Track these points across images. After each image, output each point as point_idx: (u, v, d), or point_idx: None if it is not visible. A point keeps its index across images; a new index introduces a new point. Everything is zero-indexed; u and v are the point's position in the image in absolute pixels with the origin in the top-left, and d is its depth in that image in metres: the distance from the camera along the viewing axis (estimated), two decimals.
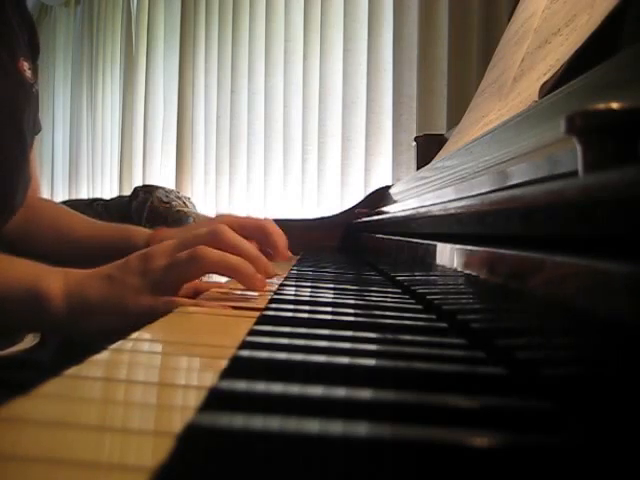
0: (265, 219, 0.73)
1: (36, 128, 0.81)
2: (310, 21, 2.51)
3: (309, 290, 0.60)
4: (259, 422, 0.19)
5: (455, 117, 1.58)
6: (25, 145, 0.74)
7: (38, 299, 0.50)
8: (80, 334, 0.54)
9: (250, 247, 0.55)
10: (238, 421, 0.19)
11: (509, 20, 0.93)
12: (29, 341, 0.73)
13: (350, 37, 2.37)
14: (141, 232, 0.80)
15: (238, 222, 0.62)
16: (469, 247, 0.38)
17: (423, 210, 0.57)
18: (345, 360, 0.28)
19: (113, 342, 0.31)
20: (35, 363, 0.69)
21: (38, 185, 0.89)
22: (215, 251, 0.51)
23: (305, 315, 0.42)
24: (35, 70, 0.78)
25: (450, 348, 0.33)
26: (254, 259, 0.54)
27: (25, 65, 0.74)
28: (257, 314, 0.42)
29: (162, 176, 3.12)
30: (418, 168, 1.34)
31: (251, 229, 0.66)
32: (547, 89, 0.51)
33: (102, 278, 0.51)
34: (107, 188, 3.49)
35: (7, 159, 0.71)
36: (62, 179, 3.72)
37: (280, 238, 0.71)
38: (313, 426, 0.19)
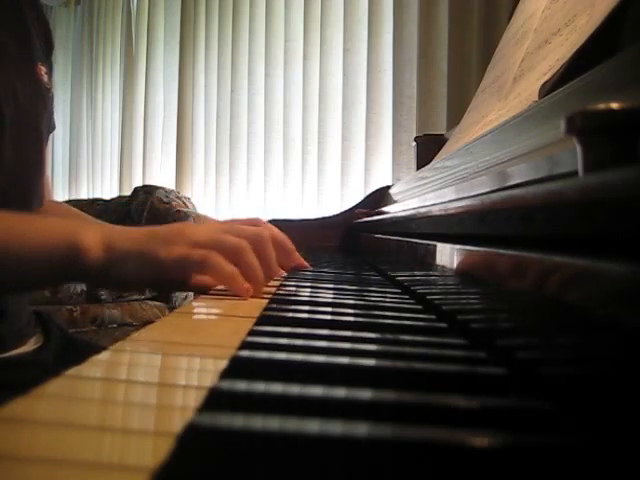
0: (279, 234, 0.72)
1: (50, 127, 0.84)
2: (310, 21, 2.51)
3: (309, 290, 0.60)
4: (259, 422, 0.19)
5: (455, 117, 1.58)
6: (43, 148, 0.76)
7: (77, 250, 0.52)
8: (115, 284, 0.58)
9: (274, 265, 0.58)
10: (238, 421, 0.19)
11: (509, 20, 0.93)
12: (33, 343, 0.73)
13: (350, 37, 2.37)
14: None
15: (273, 234, 0.62)
16: (469, 247, 0.38)
17: (423, 210, 0.57)
18: (345, 360, 0.28)
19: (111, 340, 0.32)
20: (38, 364, 0.69)
21: (49, 187, 0.90)
22: (229, 265, 0.53)
23: (305, 315, 0.42)
24: (50, 71, 0.79)
25: (450, 348, 0.33)
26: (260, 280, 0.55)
27: (42, 70, 0.76)
28: (257, 314, 0.42)
29: (162, 176, 3.12)
30: (418, 168, 1.34)
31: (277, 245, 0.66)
32: (547, 89, 0.51)
33: (138, 232, 0.55)
34: (107, 188, 3.49)
35: (27, 162, 0.73)
36: (62, 179, 3.72)
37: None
38: (313, 426, 0.19)
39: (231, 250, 0.54)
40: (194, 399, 0.22)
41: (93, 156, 3.59)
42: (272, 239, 0.59)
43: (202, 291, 0.57)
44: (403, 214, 0.73)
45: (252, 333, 0.35)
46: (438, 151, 1.06)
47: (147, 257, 0.52)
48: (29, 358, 0.70)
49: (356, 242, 1.40)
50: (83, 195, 3.50)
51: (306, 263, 0.72)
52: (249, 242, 0.55)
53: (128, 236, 0.54)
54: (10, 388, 0.30)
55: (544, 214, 0.26)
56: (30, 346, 0.72)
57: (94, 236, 0.53)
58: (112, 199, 2.91)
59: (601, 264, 0.20)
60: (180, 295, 2.31)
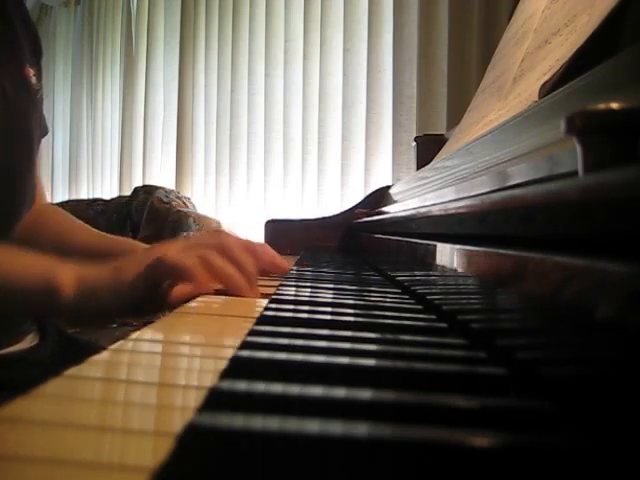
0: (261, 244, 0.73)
1: (43, 131, 0.83)
2: (310, 21, 2.51)
3: (309, 290, 0.60)
4: (259, 422, 0.19)
5: (455, 117, 1.58)
6: (32, 151, 0.76)
7: (51, 288, 0.55)
8: (84, 318, 0.60)
9: (249, 264, 0.58)
10: (238, 421, 0.19)
11: (509, 20, 0.93)
12: (29, 341, 0.73)
13: (350, 37, 2.37)
14: (139, 246, 0.83)
15: (239, 243, 0.62)
16: (469, 247, 0.38)
17: (423, 210, 0.57)
18: (345, 360, 0.28)
19: (111, 340, 0.32)
20: (35, 362, 0.69)
21: (43, 190, 0.90)
22: (220, 260, 0.55)
23: (305, 315, 0.42)
24: (39, 74, 0.79)
25: (450, 348, 0.33)
26: (248, 275, 0.56)
27: (31, 72, 0.76)
28: (257, 314, 0.42)
29: (162, 176, 3.12)
30: (418, 168, 1.34)
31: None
32: (547, 89, 0.51)
33: (110, 269, 0.57)
34: (107, 188, 3.49)
35: (16, 162, 0.73)
36: (62, 179, 3.72)
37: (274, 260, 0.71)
38: (313, 426, 0.19)
39: (200, 260, 0.55)
40: (194, 399, 0.22)
41: (93, 156, 3.58)
42: (240, 246, 0.59)
43: (183, 302, 0.57)
44: (403, 214, 0.73)
45: (252, 333, 0.35)
46: (438, 151, 1.06)
47: (116, 282, 0.55)
48: (26, 356, 0.70)
49: (356, 242, 1.40)
50: (83, 195, 3.50)
51: (285, 264, 0.70)
52: (216, 252, 0.56)
53: (99, 271, 0.57)
54: (8, 386, 0.30)
55: (544, 214, 0.26)
56: (26, 344, 0.72)
57: (68, 275, 0.56)
58: (112, 199, 2.91)
59: (601, 264, 0.20)
60: None
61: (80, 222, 0.88)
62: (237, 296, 0.54)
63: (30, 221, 0.81)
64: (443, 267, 0.45)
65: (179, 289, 0.56)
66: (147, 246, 0.81)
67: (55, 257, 0.58)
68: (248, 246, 0.62)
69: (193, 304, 0.50)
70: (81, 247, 0.83)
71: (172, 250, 0.57)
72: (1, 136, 0.69)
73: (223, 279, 0.55)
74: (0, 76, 0.69)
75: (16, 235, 0.79)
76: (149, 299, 0.56)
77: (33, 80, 0.76)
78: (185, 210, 2.60)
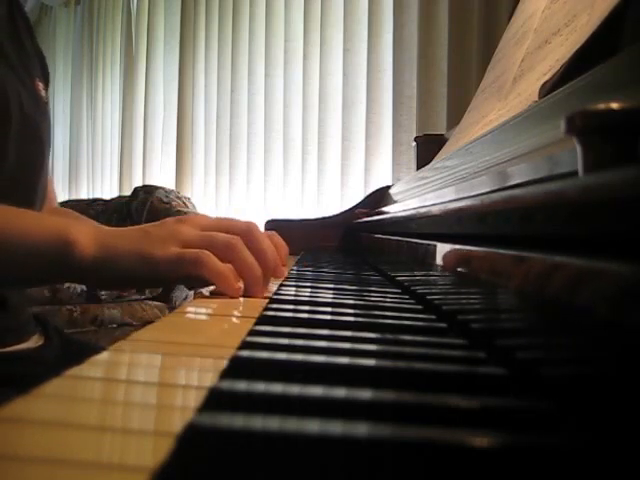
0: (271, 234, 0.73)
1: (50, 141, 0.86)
2: (310, 21, 2.51)
3: (309, 290, 0.60)
4: (259, 422, 0.19)
5: (455, 117, 1.58)
6: (44, 155, 0.78)
7: (69, 246, 0.52)
8: (108, 282, 0.57)
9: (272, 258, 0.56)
10: (238, 421, 0.19)
11: (509, 20, 0.93)
12: (34, 341, 0.74)
13: (350, 37, 2.37)
14: None
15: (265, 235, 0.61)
16: (469, 247, 0.38)
17: (423, 210, 0.57)
18: (345, 360, 0.28)
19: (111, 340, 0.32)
20: (40, 360, 0.70)
21: (54, 194, 0.92)
22: (221, 265, 0.52)
23: (305, 315, 0.42)
24: (46, 89, 0.82)
25: (450, 348, 0.33)
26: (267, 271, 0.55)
27: (40, 85, 0.78)
28: (257, 314, 0.42)
29: (162, 176, 3.12)
30: (418, 168, 1.34)
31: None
32: (547, 89, 0.51)
33: (131, 230, 0.55)
34: (107, 188, 3.49)
35: (30, 166, 0.74)
36: (62, 179, 3.72)
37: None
38: (313, 426, 0.19)
39: (223, 247, 0.53)
40: (194, 399, 0.22)
41: (93, 156, 3.58)
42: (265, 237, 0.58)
43: (200, 285, 0.57)
44: (403, 214, 0.73)
45: (252, 333, 0.35)
46: (438, 151, 1.06)
47: (142, 256, 0.52)
48: (31, 354, 0.70)
49: (356, 242, 1.40)
50: (83, 195, 3.50)
51: (282, 274, 0.69)
52: (241, 237, 0.54)
53: (121, 234, 0.54)
54: (13, 384, 0.30)
55: (544, 214, 0.26)
56: (32, 343, 0.73)
57: (87, 233, 0.53)
58: (112, 199, 2.91)
59: (601, 264, 0.20)
60: (180, 295, 2.31)
61: (92, 222, 0.89)
62: (244, 296, 0.53)
63: None
64: (443, 267, 0.45)
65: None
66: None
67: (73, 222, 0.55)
68: (273, 239, 0.60)
69: (193, 304, 0.50)
70: None
71: (194, 232, 0.54)
72: (17, 138, 0.70)
73: (245, 275, 0.53)
74: (18, 86, 0.72)
75: None
76: (164, 282, 0.54)
77: (43, 93, 0.79)
78: (185, 210, 2.60)
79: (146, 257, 0.52)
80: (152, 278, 0.54)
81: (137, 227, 0.56)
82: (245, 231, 0.55)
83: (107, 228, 0.56)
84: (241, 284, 0.54)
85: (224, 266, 0.52)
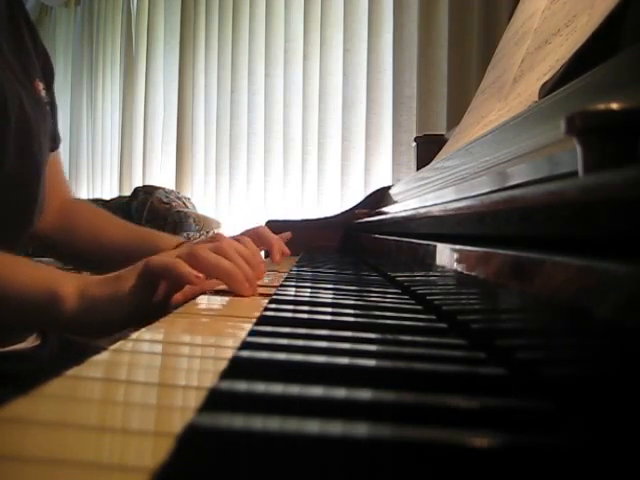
0: (260, 226, 0.81)
1: (57, 141, 0.87)
2: (310, 21, 2.51)
3: (309, 290, 0.60)
4: (259, 422, 0.19)
5: (455, 117, 1.58)
6: (42, 161, 0.78)
7: (54, 300, 0.55)
8: (86, 331, 0.59)
9: (246, 256, 0.58)
10: (238, 421, 0.19)
11: (509, 20, 0.93)
12: (32, 340, 0.74)
13: (350, 37, 2.37)
14: (168, 240, 0.83)
15: (239, 239, 0.64)
16: (469, 248, 0.38)
17: (423, 210, 0.57)
18: (345, 360, 0.28)
19: (111, 340, 0.32)
20: (37, 360, 0.70)
21: (68, 187, 0.93)
22: (212, 254, 0.55)
23: (305, 316, 0.42)
24: (47, 89, 0.83)
25: (450, 349, 0.33)
26: (246, 268, 0.57)
27: (40, 85, 0.79)
28: (257, 315, 0.42)
29: (162, 176, 3.12)
30: (418, 168, 1.34)
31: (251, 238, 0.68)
32: (547, 89, 0.51)
33: (110, 278, 0.56)
34: (107, 188, 3.49)
35: (29, 168, 0.74)
36: None
37: (276, 242, 0.80)
38: (313, 426, 0.19)
39: (186, 256, 0.55)
40: (194, 399, 0.22)
41: (93, 156, 3.58)
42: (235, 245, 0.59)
43: (183, 303, 0.57)
44: (403, 214, 0.73)
45: (252, 333, 0.35)
46: (438, 151, 1.06)
47: (117, 291, 0.54)
48: (28, 354, 0.71)
49: (356, 242, 1.40)
50: (83, 195, 3.50)
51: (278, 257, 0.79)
52: (208, 249, 0.56)
53: (100, 281, 0.56)
54: (11, 383, 0.30)
55: (544, 214, 0.26)
56: (29, 343, 0.73)
57: (74, 287, 0.55)
58: (112, 199, 2.91)
59: (601, 264, 0.20)
60: None
61: (110, 214, 0.90)
62: (237, 295, 0.54)
63: (62, 217, 0.85)
64: (443, 267, 0.45)
65: (181, 292, 0.56)
66: (171, 240, 0.82)
67: (79, 262, 0.57)
68: (247, 244, 0.62)
69: (193, 304, 0.50)
70: (115, 239, 0.85)
71: (169, 254, 0.57)
72: (16, 140, 0.70)
73: (214, 272, 0.55)
74: (16, 86, 0.72)
75: (52, 232, 0.83)
76: (150, 305, 0.55)
77: (42, 94, 0.79)
78: (185, 210, 2.60)
79: (118, 287, 0.54)
80: (128, 306, 0.55)
81: (115, 273, 0.57)
82: (215, 249, 0.57)
83: (92, 278, 0.58)
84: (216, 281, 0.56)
85: (190, 268, 0.53)
